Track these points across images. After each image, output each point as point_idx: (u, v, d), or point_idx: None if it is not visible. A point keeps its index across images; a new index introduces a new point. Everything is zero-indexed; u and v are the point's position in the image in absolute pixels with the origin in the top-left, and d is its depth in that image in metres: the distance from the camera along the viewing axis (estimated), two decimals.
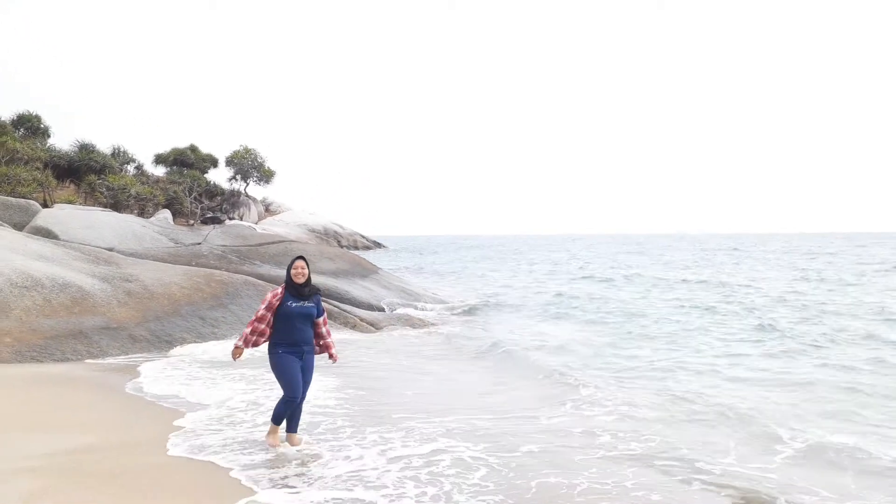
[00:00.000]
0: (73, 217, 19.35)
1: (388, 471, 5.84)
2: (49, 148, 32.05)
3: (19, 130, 32.10)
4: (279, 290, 6.53)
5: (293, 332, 6.40)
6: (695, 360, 11.76)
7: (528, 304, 21.62)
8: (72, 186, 30.18)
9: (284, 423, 6.61)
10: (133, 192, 29.75)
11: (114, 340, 11.78)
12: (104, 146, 34.91)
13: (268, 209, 50.37)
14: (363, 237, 59.95)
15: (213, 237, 21.24)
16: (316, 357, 6.75)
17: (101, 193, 28.77)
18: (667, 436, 7.09)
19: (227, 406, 8.17)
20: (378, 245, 64.79)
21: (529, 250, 79.53)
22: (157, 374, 9.98)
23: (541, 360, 11.53)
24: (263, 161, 44.69)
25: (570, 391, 9.14)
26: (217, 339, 12.95)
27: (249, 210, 43.18)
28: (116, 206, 27.75)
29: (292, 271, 6.47)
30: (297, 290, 6.45)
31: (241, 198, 43.51)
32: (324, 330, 6.70)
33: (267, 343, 6.56)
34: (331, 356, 6.76)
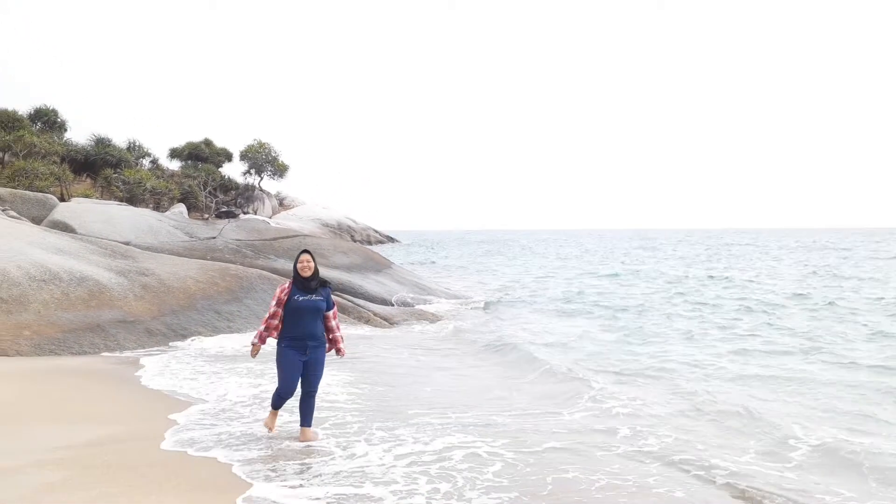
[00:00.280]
0: (89, 211, 19.55)
1: (394, 466, 5.80)
2: (66, 142, 32.31)
3: (36, 124, 32.32)
4: (287, 284, 6.58)
5: (299, 327, 6.41)
6: (707, 358, 11.71)
7: (539, 300, 21.61)
8: (88, 180, 30.47)
9: (299, 418, 6.65)
10: (149, 186, 30.01)
11: (130, 334, 11.92)
12: (119, 141, 35.22)
13: (282, 203, 50.55)
14: (376, 231, 60.09)
15: (227, 231, 21.38)
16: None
17: (118, 187, 29.05)
18: (681, 434, 7.07)
19: (228, 399, 8.26)
20: (391, 239, 64.93)
21: (542, 245, 79.36)
22: (171, 368, 10.09)
23: (553, 357, 11.52)
24: (277, 155, 44.86)
25: (584, 388, 9.12)
26: (232, 332, 13.07)
27: (263, 204, 43.39)
28: (132, 201, 28.01)
29: (298, 265, 6.49)
30: (304, 283, 6.47)
31: (256, 192, 43.75)
32: (333, 324, 6.70)
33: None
34: (338, 351, 6.74)
